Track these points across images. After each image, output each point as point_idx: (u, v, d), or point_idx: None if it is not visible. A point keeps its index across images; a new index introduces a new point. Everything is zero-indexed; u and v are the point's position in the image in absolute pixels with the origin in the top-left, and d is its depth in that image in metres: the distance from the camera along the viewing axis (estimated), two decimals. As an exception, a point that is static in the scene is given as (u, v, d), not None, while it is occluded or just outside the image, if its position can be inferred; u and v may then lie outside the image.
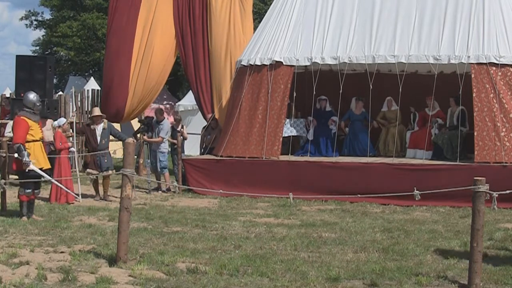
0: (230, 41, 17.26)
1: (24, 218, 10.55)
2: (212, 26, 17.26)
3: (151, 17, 17.23)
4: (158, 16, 17.29)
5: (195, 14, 17.41)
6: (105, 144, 13.42)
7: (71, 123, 14.06)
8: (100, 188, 13.62)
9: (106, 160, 13.32)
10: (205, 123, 17.13)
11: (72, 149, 13.62)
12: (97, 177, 12.89)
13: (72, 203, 12.62)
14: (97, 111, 13.76)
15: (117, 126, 17.55)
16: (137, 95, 17.34)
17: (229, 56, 16.89)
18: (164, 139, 15.05)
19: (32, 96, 10.83)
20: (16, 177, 14.30)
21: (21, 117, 10.64)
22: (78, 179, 13.51)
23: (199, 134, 17.20)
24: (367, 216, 11.68)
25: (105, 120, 13.67)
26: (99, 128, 13.35)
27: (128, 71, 17.18)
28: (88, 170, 13.33)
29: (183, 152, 16.03)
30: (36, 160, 10.57)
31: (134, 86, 17.22)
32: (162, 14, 17.37)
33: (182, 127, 17.15)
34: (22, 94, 16.92)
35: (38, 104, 10.77)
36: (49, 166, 11.18)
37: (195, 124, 21.01)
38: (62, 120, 13.90)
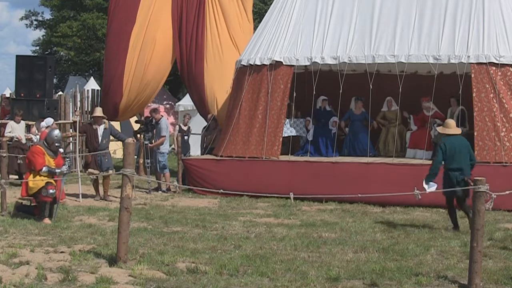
0: (229, 41, 17.26)
1: (47, 220, 10.47)
2: (210, 25, 17.25)
3: (149, 15, 17.23)
4: (157, 15, 17.28)
5: (193, 14, 17.40)
6: (106, 144, 13.47)
7: (74, 122, 14.03)
8: (100, 188, 13.62)
9: (106, 160, 13.36)
10: (205, 123, 17.15)
11: (60, 149, 13.61)
12: (97, 177, 12.93)
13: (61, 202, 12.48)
14: (98, 112, 13.79)
15: (116, 126, 17.57)
16: (133, 91, 17.29)
17: (228, 56, 16.87)
18: (165, 137, 15.06)
19: (55, 134, 10.88)
20: (16, 177, 14.36)
21: (37, 146, 10.85)
22: (79, 179, 13.52)
23: (199, 134, 17.22)
24: (367, 216, 11.69)
25: (106, 121, 13.71)
26: (100, 128, 13.40)
27: (123, 68, 17.16)
28: (89, 170, 13.34)
29: (189, 152, 16.17)
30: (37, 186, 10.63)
31: (130, 83, 17.17)
32: (161, 13, 17.36)
33: (189, 128, 17.23)
34: (22, 94, 17.01)
35: (57, 144, 10.84)
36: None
37: (195, 124, 20.99)
38: (49, 120, 13.89)
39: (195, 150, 18.56)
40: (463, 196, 10.10)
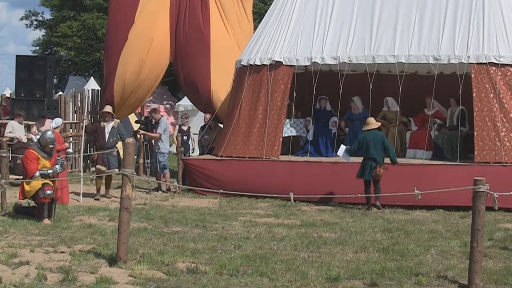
0: (229, 41, 17.22)
1: (46, 220, 10.46)
2: (216, 19, 17.21)
3: (148, 14, 17.17)
4: (156, 13, 17.22)
5: (194, 8, 17.34)
6: (113, 142, 13.58)
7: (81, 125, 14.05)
8: (102, 187, 13.64)
9: (114, 159, 13.47)
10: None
11: (69, 150, 13.58)
12: (98, 176, 12.96)
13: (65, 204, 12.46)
14: (108, 108, 13.97)
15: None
16: (129, 87, 17.11)
17: (229, 56, 16.82)
18: (162, 136, 15.04)
19: (48, 135, 10.84)
20: (17, 177, 14.36)
21: (30, 150, 10.83)
22: (81, 179, 13.53)
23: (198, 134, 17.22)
24: (367, 216, 11.69)
25: (116, 120, 13.82)
26: (108, 126, 13.54)
27: (117, 63, 17.08)
28: (98, 166, 13.36)
29: (189, 152, 16.14)
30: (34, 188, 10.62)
31: (124, 78, 16.99)
32: (160, 11, 17.31)
33: (189, 128, 17.22)
34: (23, 94, 17.00)
35: (51, 145, 10.79)
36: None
37: (195, 124, 21.01)
38: (58, 121, 13.90)
39: (195, 151, 18.56)
40: (375, 180, 12.47)
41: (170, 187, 14.91)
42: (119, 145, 13.57)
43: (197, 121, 20.65)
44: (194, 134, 17.78)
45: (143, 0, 17.25)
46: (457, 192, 8.95)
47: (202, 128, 16.96)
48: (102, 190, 13.71)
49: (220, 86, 16.75)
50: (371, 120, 13.05)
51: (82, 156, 14.36)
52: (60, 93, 25.96)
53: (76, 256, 7.91)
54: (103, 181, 13.66)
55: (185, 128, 17.08)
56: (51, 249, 8.34)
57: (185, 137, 16.56)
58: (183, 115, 18.30)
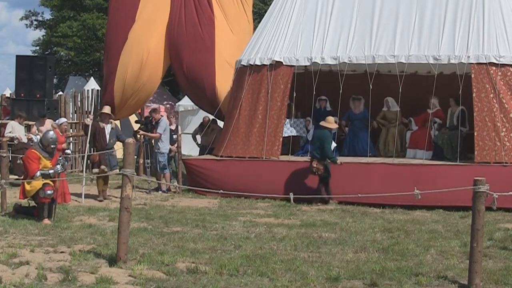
0: (233, 39, 17.20)
1: (47, 220, 10.45)
2: (215, 23, 17.19)
3: (148, 14, 17.15)
4: (156, 15, 17.20)
5: (196, 10, 17.32)
6: (113, 143, 13.60)
7: (86, 126, 13.97)
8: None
9: (114, 159, 13.55)
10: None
11: (67, 151, 13.56)
12: (99, 177, 12.97)
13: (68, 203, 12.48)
14: (106, 109, 13.93)
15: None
16: (129, 88, 17.06)
17: (233, 53, 16.78)
18: (162, 136, 15.04)
19: (50, 135, 10.85)
20: (16, 177, 14.38)
21: (32, 150, 10.83)
22: (83, 179, 13.52)
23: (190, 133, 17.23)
24: (367, 216, 11.69)
25: (113, 121, 13.82)
26: (108, 127, 13.51)
27: (117, 63, 17.03)
28: (102, 167, 13.32)
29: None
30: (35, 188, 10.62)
31: (124, 79, 16.94)
32: (160, 13, 17.30)
33: (177, 127, 17.15)
34: (23, 94, 17.01)
35: (52, 145, 10.80)
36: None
37: (195, 124, 21.04)
38: (61, 120, 13.89)
39: (188, 150, 18.55)
40: (319, 176, 13.06)
41: (170, 187, 14.91)
42: (119, 145, 13.58)
43: (198, 121, 20.65)
44: (184, 133, 17.72)
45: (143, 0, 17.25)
46: (457, 192, 8.95)
47: (199, 127, 16.94)
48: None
49: (225, 84, 16.67)
50: (330, 119, 13.54)
51: (86, 156, 14.35)
52: (60, 93, 25.94)
53: (76, 256, 7.91)
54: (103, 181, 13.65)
55: (173, 127, 16.98)
56: (51, 249, 8.34)
57: (174, 136, 16.42)
58: (170, 113, 18.20)
